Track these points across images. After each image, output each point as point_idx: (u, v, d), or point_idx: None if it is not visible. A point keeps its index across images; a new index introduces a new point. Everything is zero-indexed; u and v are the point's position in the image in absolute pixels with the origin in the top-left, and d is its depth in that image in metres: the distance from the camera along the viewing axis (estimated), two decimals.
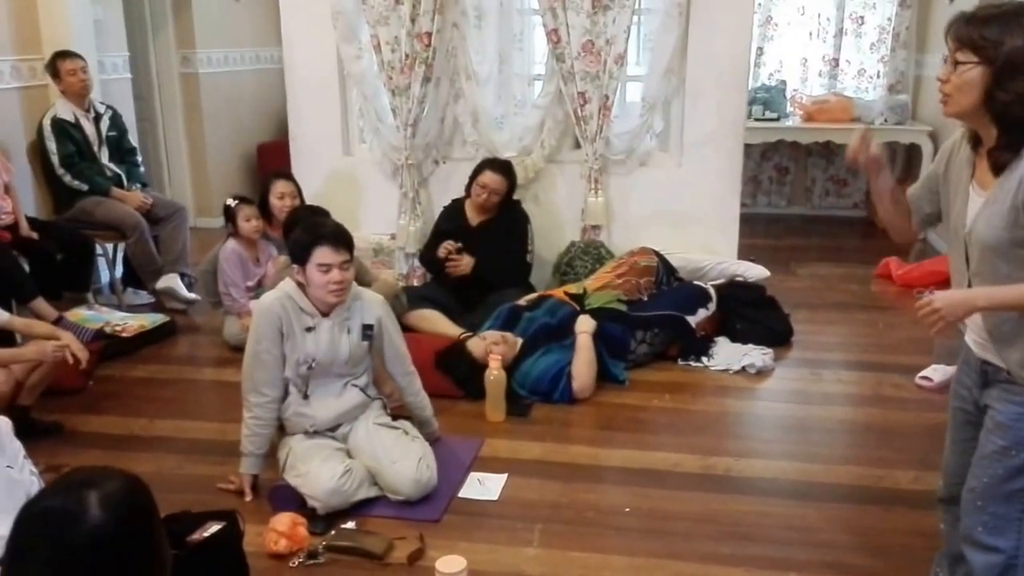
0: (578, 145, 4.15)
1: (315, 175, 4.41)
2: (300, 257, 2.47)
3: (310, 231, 2.51)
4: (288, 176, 3.97)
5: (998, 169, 1.54)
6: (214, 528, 1.99)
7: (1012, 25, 1.45)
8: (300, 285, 2.51)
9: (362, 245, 4.23)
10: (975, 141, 1.61)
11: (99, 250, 4.38)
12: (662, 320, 3.51)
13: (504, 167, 3.86)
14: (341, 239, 2.48)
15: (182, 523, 2.01)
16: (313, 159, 4.43)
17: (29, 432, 2.75)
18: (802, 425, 3.08)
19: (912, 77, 5.77)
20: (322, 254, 2.43)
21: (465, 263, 3.80)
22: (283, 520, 2.29)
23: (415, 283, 4.21)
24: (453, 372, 3.20)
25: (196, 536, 1.96)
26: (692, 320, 3.54)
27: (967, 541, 1.72)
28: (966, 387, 1.78)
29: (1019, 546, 1.65)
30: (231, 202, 3.77)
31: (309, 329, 2.50)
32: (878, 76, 5.82)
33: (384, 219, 4.34)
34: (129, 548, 1.24)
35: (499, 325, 3.40)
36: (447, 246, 3.79)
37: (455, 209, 3.98)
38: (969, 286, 1.66)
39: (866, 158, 1.77)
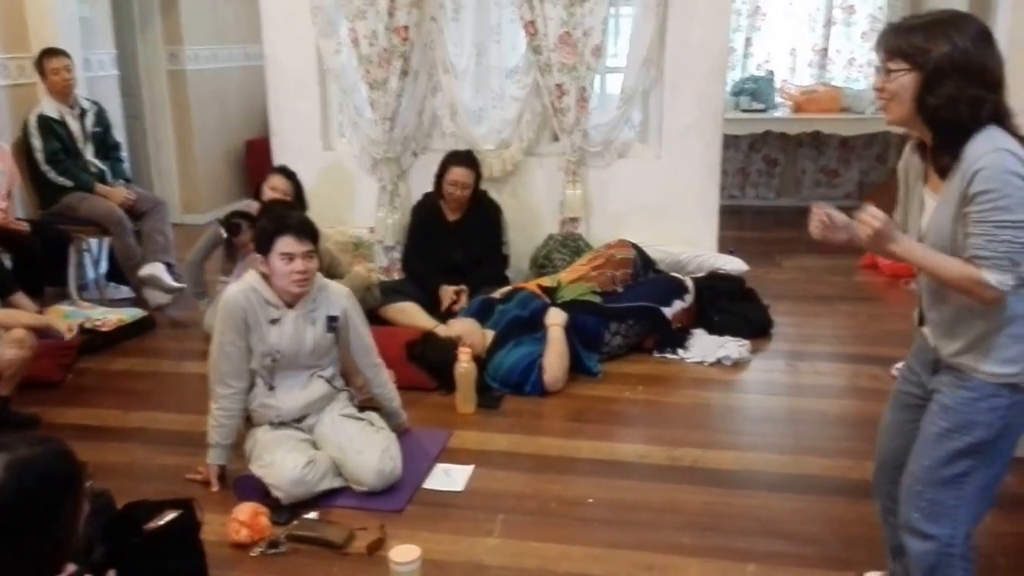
0: (556, 137, 4.15)
1: (297, 170, 4.40)
2: (263, 247, 2.49)
3: (273, 221, 2.53)
4: (287, 173, 3.83)
5: (942, 172, 1.58)
6: (170, 516, 2.02)
7: (937, 33, 1.52)
8: (264, 277, 2.53)
9: (342, 239, 4.26)
10: (922, 149, 1.65)
11: (84, 246, 4.43)
12: (637, 312, 3.50)
13: (467, 158, 3.85)
14: (304, 229, 2.50)
15: (140, 511, 2.04)
16: (294, 154, 4.42)
17: (6, 424, 2.80)
18: (774, 417, 3.08)
19: None
20: (285, 243, 2.44)
21: (463, 297, 3.76)
22: (245, 510, 2.31)
23: (395, 276, 4.22)
24: (424, 360, 3.21)
25: (152, 524, 1.99)
26: (667, 312, 3.54)
27: (905, 528, 1.73)
28: (915, 372, 1.79)
29: (955, 534, 1.66)
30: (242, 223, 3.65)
31: (274, 321, 2.52)
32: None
33: (364, 213, 4.36)
34: (27, 514, 1.25)
35: (471, 317, 3.41)
36: (450, 297, 3.75)
37: (430, 204, 3.97)
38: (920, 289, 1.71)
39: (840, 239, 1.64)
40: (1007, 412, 1.60)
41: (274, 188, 3.80)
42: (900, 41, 1.55)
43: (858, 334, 3.83)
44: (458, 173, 3.79)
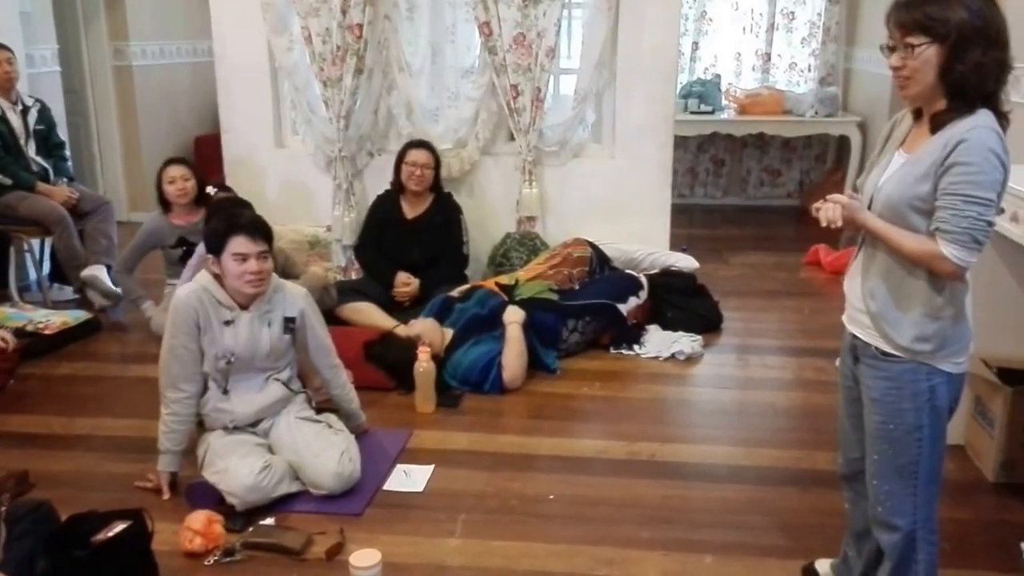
0: (512, 137, 4.17)
1: (248, 168, 4.38)
2: (215, 247, 2.44)
3: (226, 220, 2.47)
4: (178, 161, 3.85)
5: (936, 127, 1.57)
6: (120, 527, 1.97)
7: (950, 0, 1.49)
8: (216, 277, 2.47)
9: (296, 238, 4.21)
10: (918, 111, 1.66)
11: (25, 246, 4.28)
12: (593, 308, 3.54)
13: (424, 143, 3.89)
14: (258, 229, 2.45)
15: (88, 523, 1.98)
16: (246, 151, 4.38)
17: None
18: (726, 410, 3.15)
19: (842, 70, 5.92)
20: (238, 243, 2.40)
21: (413, 288, 3.78)
22: (198, 518, 2.26)
23: (352, 276, 4.19)
24: (382, 361, 3.19)
25: (101, 536, 1.94)
26: (623, 308, 3.59)
27: (873, 522, 1.77)
28: (847, 365, 1.84)
29: (916, 520, 1.71)
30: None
31: (228, 323, 2.47)
32: (809, 70, 5.95)
33: (319, 211, 4.32)
34: None
35: (431, 316, 3.41)
36: (401, 289, 3.76)
37: (389, 200, 3.96)
38: (860, 247, 1.73)
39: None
40: (931, 395, 1.64)
41: (172, 180, 3.74)
42: (916, 14, 1.51)
43: (803, 328, 3.95)
44: (416, 155, 3.81)
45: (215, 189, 3.80)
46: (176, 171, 3.75)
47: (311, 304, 2.66)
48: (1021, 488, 2.53)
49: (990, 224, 1.54)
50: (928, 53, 1.51)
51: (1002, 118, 1.55)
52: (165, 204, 3.78)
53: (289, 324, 2.56)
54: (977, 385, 2.66)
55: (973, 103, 1.53)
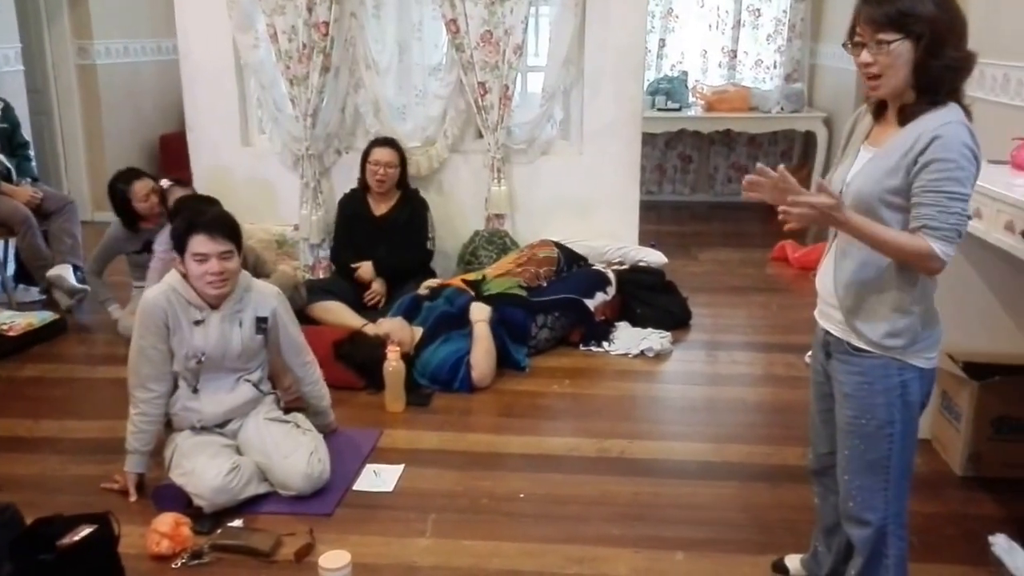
0: (481, 135, 4.16)
1: (214, 166, 4.32)
2: (178, 247, 2.41)
3: (187, 219, 2.44)
4: (138, 175, 3.73)
5: (905, 120, 1.57)
6: (86, 531, 1.95)
7: None
8: (186, 277, 2.44)
9: (265, 237, 4.17)
10: (878, 110, 1.66)
11: None
12: (561, 304, 3.55)
13: (389, 141, 3.89)
14: (219, 227, 2.41)
15: (54, 526, 1.96)
16: (212, 150, 4.33)
17: None
18: (696, 406, 3.17)
19: (807, 66, 6.00)
20: (198, 243, 2.36)
21: (382, 293, 3.80)
22: (165, 520, 2.23)
23: (321, 275, 4.16)
24: (351, 360, 3.18)
25: (67, 540, 1.92)
26: (590, 304, 3.60)
27: (844, 517, 1.78)
28: (819, 361, 1.84)
29: (887, 515, 1.72)
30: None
31: (198, 323, 2.44)
32: (775, 66, 6.02)
33: (286, 210, 4.28)
34: None
35: (399, 315, 3.40)
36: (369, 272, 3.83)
37: (355, 198, 3.96)
38: (832, 243, 1.73)
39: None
40: (902, 390, 1.65)
41: (145, 198, 3.66)
42: (887, 10, 1.50)
43: (772, 323, 3.99)
44: (380, 153, 3.81)
45: (169, 183, 3.73)
46: (144, 187, 3.65)
47: (283, 303, 2.63)
48: (988, 481, 2.56)
49: (969, 218, 1.56)
50: (901, 49, 1.51)
51: (965, 111, 1.56)
52: (133, 217, 3.69)
53: (261, 324, 2.53)
54: (943, 379, 2.66)
55: (942, 97, 1.54)
